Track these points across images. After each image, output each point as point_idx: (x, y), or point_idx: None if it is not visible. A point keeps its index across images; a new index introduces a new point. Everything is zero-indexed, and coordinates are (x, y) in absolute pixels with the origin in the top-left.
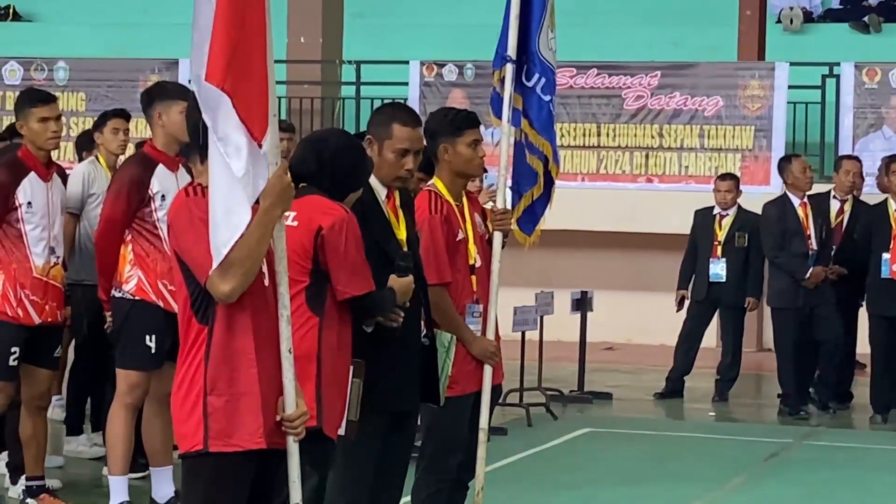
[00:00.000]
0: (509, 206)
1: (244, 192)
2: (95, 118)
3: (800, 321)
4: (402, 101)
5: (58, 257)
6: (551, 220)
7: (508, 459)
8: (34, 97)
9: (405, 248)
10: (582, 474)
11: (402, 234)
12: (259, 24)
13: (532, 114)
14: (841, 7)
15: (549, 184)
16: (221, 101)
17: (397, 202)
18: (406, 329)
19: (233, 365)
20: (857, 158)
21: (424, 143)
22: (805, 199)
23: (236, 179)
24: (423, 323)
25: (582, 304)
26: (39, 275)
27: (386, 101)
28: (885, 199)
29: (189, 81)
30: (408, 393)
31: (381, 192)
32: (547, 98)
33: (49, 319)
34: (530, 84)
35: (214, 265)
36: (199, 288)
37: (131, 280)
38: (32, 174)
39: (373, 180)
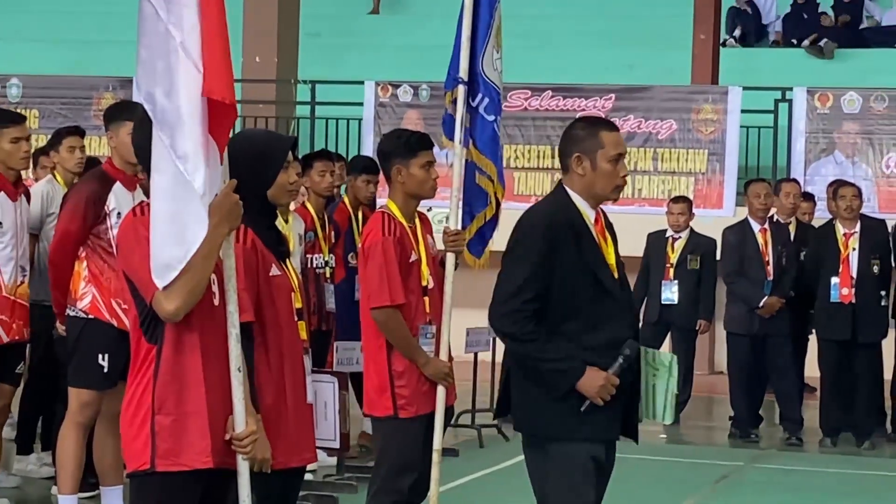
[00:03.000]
0: (461, 227)
1: (204, 208)
2: (48, 135)
3: (753, 347)
4: (357, 121)
5: (25, 275)
6: (506, 240)
7: (460, 480)
8: (5, 118)
9: (615, 274)
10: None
11: (611, 258)
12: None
13: (476, 134)
14: (795, 30)
15: (496, 205)
16: (186, 118)
17: (603, 223)
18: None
19: (181, 384)
20: (796, 181)
21: None
22: (766, 226)
23: (198, 196)
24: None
25: None
26: (8, 294)
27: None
28: (833, 224)
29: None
30: (614, 423)
31: (589, 215)
32: (491, 118)
33: (16, 337)
34: (474, 104)
35: (165, 282)
36: (147, 307)
37: (85, 297)
38: (2, 194)
39: (580, 203)
